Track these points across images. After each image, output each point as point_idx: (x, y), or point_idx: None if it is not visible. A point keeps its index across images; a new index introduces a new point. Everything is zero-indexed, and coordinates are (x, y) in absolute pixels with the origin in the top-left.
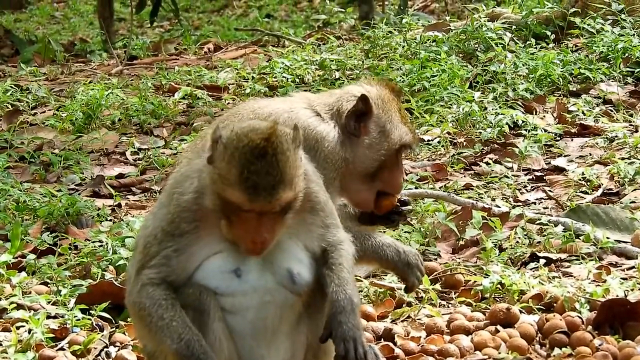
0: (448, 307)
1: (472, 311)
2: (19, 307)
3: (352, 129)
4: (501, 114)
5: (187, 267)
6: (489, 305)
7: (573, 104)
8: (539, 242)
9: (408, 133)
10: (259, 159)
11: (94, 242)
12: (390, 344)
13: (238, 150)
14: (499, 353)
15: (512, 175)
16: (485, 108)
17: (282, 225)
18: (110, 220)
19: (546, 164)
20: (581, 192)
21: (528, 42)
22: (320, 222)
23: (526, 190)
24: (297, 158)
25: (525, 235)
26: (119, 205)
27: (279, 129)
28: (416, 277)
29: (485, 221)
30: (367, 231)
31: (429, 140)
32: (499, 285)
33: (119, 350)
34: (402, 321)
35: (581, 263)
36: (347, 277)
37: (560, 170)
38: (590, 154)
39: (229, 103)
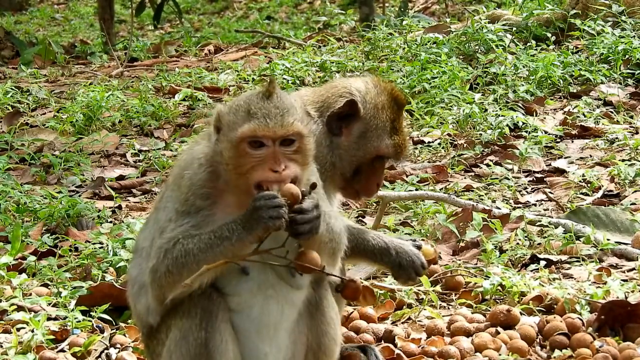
0: (448, 308)
1: (472, 313)
2: (20, 308)
3: (333, 129)
4: (501, 115)
5: None
6: (490, 307)
7: (575, 107)
8: (539, 243)
9: (389, 146)
10: (266, 99)
11: (94, 243)
12: (391, 346)
13: (244, 99)
14: (500, 355)
15: (513, 177)
16: (486, 110)
17: (299, 166)
18: (111, 222)
19: (546, 165)
20: (582, 193)
21: (528, 44)
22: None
23: (526, 191)
24: (303, 113)
25: (526, 236)
26: (120, 207)
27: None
28: (409, 277)
29: (485, 223)
30: (362, 230)
31: (429, 142)
32: (499, 287)
33: (119, 352)
34: (403, 323)
35: (582, 265)
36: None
37: (560, 171)
38: (591, 156)
39: None
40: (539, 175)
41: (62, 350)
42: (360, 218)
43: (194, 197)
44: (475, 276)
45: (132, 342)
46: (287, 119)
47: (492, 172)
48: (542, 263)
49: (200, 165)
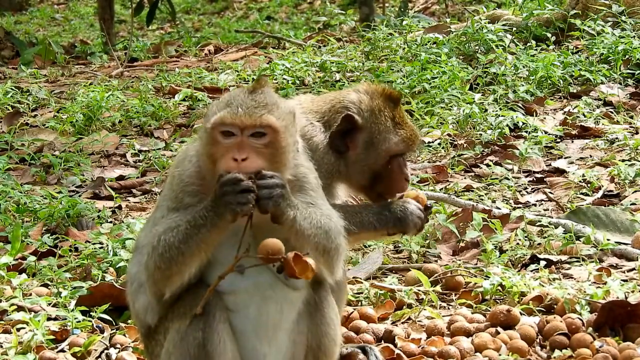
0: (448, 308)
1: (472, 313)
2: (20, 308)
3: (338, 147)
4: (501, 115)
5: None
6: (490, 307)
7: (575, 107)
8: (539, 243)
9: (399, 142)
10: (247, 93)
11: (94, 244)
12: (391, 346)
13: (229, 93)
14: (500, 355)
15: (513, 177)
16: (486, 110)
17: (267, 161)
18: (111, 222)
19: (546, 165)
20: (582, 193)
21: (528, 44)
22: (309, 199)
23: (527, 192)
24: (286, 112)
25: (526, 237)
26: (120, 207)
27: (269, 84)
28: (415, 225)
29: (485, 223)
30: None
31: (429, 142)
32: (499, 287)
33: (119, 352)
34: (403, 323)
35: (582, 265)
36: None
37: (560, 172)
38: (591, 156)
39: None
40: (539, 176)
41: (62, 351)
42: None
43: (182, 194)
44: (475, 276)
45: (132, 342)
46: (259, 111)
47: (492, 172)
48: (542, 263)
49: (190, 162)
